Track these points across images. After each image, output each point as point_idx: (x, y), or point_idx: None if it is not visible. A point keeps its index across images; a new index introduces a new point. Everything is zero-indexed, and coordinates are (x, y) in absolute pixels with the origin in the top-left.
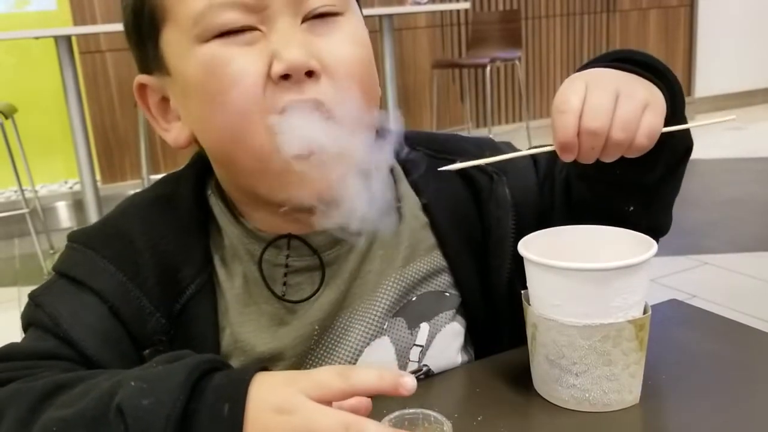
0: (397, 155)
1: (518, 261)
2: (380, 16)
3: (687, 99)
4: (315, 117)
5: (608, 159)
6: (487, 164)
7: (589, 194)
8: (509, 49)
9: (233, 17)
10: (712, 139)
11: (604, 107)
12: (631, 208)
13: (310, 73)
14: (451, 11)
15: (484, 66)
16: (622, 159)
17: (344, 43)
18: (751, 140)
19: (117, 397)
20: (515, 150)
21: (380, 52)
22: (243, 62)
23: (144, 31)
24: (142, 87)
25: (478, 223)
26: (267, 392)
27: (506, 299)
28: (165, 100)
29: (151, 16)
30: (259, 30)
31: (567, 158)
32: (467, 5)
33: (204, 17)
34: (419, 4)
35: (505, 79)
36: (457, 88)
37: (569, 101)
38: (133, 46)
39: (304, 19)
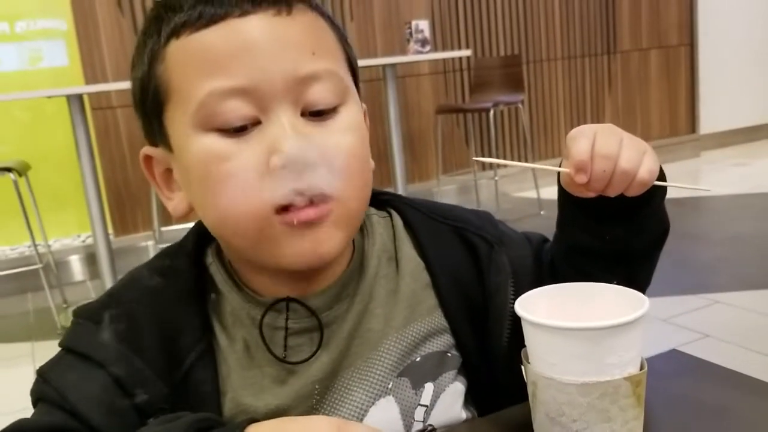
0: (403, 217)
1: (518, 325)
2: (384, 66)
3: (692, 136)
4: (311, 208)
5: (614, 191)
6: (487, 233)
7: (575, 277)
8: (512, 92)
9: (234, 106)
10: (718, 175)
11: (613, 142)
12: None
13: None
14: (453, 58)
15: (487, 110)
16: (615, 219)
17: (341, 134)
18: (757, 176)
19: None
20: (506, 226)
21: (384, 100)
22: (241, 159)
23: (148, 106)
24: (148, 158)
25: (479, 288)
26: None
27: (506, 361)
28: (169, 170)
29: (156, 93)
30: (259, 121)
31: (581, 179)
32: (468, 52)
33: (205, 105)
34: (422, 52)
35: (509, 123)
36: (462, 133)
37: (583, 131)
38: (139, 116)
39: (303, 112)
